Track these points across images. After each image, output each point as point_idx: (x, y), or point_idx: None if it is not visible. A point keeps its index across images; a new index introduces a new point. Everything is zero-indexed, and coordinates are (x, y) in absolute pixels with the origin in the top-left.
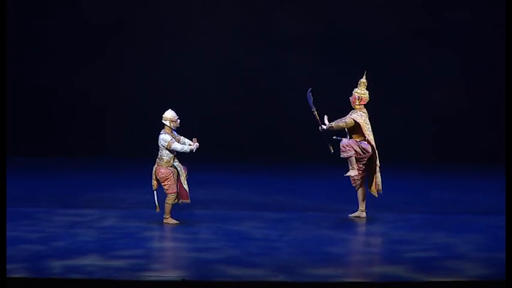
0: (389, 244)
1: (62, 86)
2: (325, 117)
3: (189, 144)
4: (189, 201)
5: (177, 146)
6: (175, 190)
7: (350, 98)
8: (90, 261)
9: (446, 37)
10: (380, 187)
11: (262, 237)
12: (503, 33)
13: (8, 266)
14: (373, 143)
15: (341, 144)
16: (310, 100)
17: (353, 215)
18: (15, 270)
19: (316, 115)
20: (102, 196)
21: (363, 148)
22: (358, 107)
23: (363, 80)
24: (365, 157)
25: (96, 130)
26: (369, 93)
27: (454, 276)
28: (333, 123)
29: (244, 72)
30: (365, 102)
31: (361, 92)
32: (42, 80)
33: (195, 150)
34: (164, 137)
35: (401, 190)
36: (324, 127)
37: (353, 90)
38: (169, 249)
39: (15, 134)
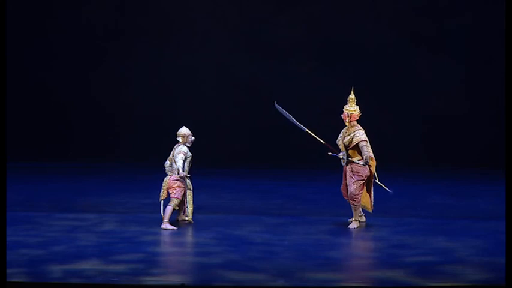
0: (388, 249)
1: (60, 91)
2: (342, 154)
3: (181, 163)
4: (191, 221)
5: (179, 161)
6: (180, 196)
7: (342, 115)
8: (90, 265)
9: (446, 42)
10: (372, 204)
11: (262, 242)
12: (503, 37)
13: (8, 271)
14: (373, 160)
15: (352, 192)
16: (291, 119)
17: (352, 226)
18: (15, 275)
19: (309, 132)
20: (101, 200)
21: (366, 176)
22: (348, 124)
23: (351, 96)
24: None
25: (96, 134)
26: (360, 108)
27: (453, 280)
28: (365, 157)
29: (244, 77)
30: (356, 119)
31: (350, 108)
32: (41, 84)
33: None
34: (182, 148)
35: (401, 194)
36: (366, 164)
37: (343, 107)
38: (169, 253)
39: (14, 139)
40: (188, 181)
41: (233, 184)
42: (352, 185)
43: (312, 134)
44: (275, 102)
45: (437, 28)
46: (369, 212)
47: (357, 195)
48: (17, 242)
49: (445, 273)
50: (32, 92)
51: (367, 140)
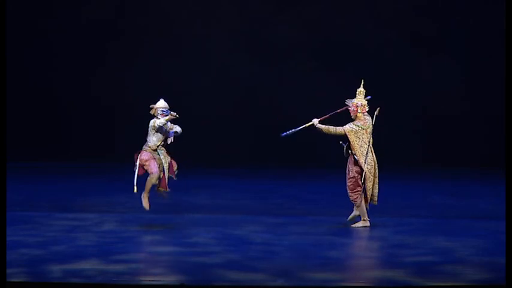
0: (388, 248)
1: (61, 91)
2: (316, 119)
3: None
4: (167, 189)
5: (160, 122)
6: (157, 170)
7: (349, 109)
8: (90, 265)
9: (446, 42)
10: (375, 199)
11: (261, 242)
12: (503, 37)
13: (8, 271)
14: (371, 154)
15: (348, 187)
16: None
17: (356, 225)
18: (15, 275)
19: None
20: (101, 200)
21: (357, 173)
22: (360, 115)
23: (361, 89)
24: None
25: (96, 134)
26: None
27: (453, 280)
28: (324, 127)
29: (244, 77)
30: (365, 110)
31: (359, 100)
32: (41, 84)
33: (177, 132)
34: (151, 122)
35: (401, 194)
36: (316, 124)
37: (346, 100)
38: (168, 253)
39: (14, 139)
40: (161, 151)
41: (233, 184)
42: (347, 181)
43: (306, 125)
44: (281, 135)
45: (437, 28)
46: (368, 211)
47: (352, 192)
48: (17, 242)
49: (445, 273)
50: (32, 92)
51: (350, 135)
